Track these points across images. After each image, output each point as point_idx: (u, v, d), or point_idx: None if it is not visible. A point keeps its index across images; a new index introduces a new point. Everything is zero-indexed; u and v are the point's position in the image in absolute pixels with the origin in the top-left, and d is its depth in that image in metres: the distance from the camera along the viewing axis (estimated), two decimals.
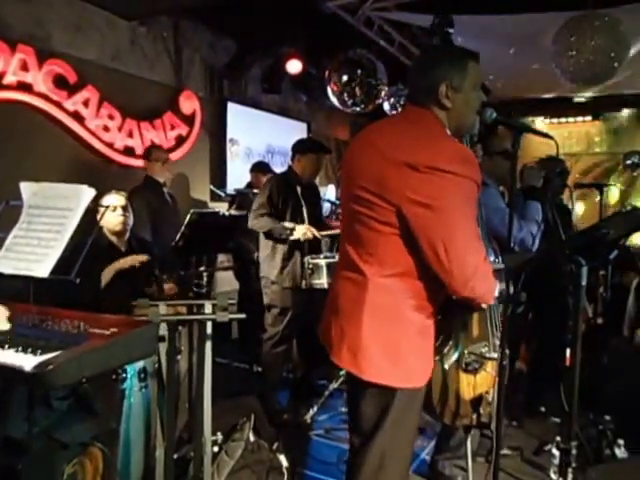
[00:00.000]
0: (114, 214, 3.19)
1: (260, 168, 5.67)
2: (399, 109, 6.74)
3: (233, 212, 4.73)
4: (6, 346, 1.53)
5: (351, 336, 1.82)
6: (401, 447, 1.92)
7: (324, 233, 4.13)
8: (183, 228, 3.71)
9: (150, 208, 4.35)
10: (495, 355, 2.20)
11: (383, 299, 1.79)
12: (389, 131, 1.88)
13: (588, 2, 4.50)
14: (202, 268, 3.49)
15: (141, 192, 4.44)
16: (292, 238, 3.99)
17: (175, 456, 2.58)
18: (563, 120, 8.84)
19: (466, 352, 2.17)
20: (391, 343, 1.79)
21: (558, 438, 2.18)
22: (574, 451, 2.12)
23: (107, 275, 3.02)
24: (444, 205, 1.66)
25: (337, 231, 4.20)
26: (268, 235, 4.08)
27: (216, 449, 2.72)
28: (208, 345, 2.49)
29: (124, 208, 3.26)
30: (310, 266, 3.87)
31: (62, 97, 4.51)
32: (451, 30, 2.56)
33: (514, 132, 2.08)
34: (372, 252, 1.80)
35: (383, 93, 6.01)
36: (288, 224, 3.99)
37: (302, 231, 3.97)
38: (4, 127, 4.17)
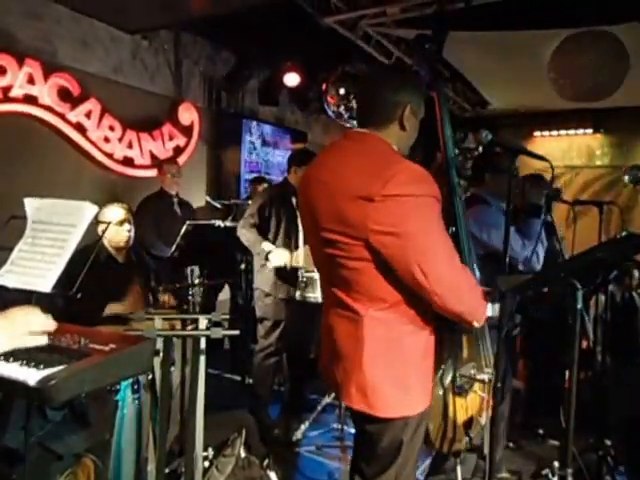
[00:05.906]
0: (120, 229, 3.18)
1: (260, 180, 5.74)
2: None
3: (228, 224, 4.73)
4: (10, 359, 1.54)
5: (357, 377, 1.77)
6: (410, 469, 1.90)
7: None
8: (179, 239, 3.72)
9: (156, 218, 4.41)
10: (484, 376, 2.15)
11: (381, 332, 1.75)
12: (334, 165, 1.81)
13: (587, 19, 4.49)
14: (197, 280, 3.48)
15: (150, 202, 4.53)
16: (269, 264, 3.86)
17: (166, 470, 2.57)
18: (563, 132, 8.55)
19: (458, 374, 2.12)
20: (398, 374, 1.77)
21: (556, 463, 2.13)
22: (570, 479, 2.11)
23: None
24: (409, 229, 1.63)
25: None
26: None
27: (207, 464, 2.71)
28: (202, 360, 2.48)
29: (129, 222, 3.26)
30: (304, 279, 3.80)
31: (66, 109, 4.58)
32: (427, 45, 2.45)
33: (508, 153, 2.11)
34: (359, 290, 1.75)
35: None
36: (266, 247, 3.87)
37: (277, 260, 3.85)
38: (11, 139, 4.24)
